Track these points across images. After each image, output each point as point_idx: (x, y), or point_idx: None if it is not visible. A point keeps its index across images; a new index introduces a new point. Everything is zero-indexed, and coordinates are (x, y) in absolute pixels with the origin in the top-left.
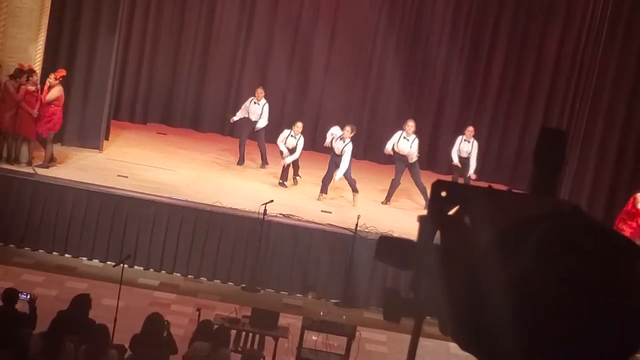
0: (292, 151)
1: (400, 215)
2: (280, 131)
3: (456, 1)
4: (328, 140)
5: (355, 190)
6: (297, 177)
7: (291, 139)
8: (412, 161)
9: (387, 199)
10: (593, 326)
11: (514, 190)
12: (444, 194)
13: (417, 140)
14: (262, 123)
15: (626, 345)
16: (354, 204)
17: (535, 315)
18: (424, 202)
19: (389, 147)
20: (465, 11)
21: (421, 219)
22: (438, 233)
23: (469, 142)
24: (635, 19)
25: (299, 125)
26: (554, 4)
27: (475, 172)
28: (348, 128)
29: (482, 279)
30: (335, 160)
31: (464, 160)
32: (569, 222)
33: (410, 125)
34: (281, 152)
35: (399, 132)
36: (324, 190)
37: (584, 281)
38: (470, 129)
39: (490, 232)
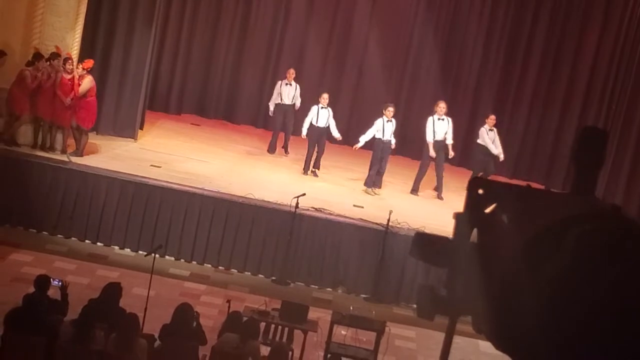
0: (324, 130)
1: (433, 210)
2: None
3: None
4: (375, 136)
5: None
6: (316, 170)
7: (322, 111)
8: (448, 142)
9: (414, 190)
10: (630, 328)
11: (551, 190)
12: (481, 191)
13: (451, 121)
14: (298, 104)
15: None
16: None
17: (572, 316)
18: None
19: (429, 138)
20: (502, 9)
21: (457, 216)
22: (474, 231)
23: (493, 130)
24: None
25: (325, 97)
26: (592, 3)
27: (510, 170)
28: (390, 108)
29: (518, 279)
30: (382, 152)
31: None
32: (609, 224)
33: (442, 106)
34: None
35: (431, 118)
36: (377, 184)
37: (622, 284)
38: (492, 117)
39: (529, 231)
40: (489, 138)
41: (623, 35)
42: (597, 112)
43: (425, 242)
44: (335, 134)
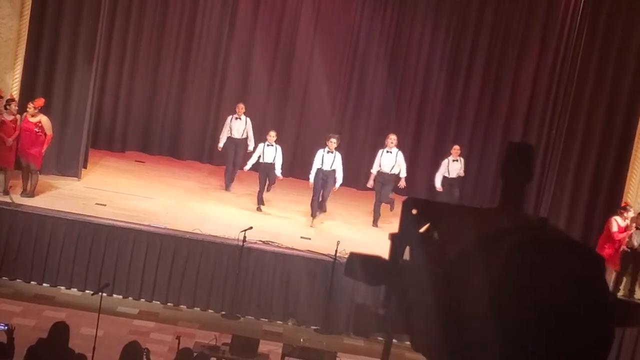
0: (271, 166)
1: (381, 239)
2: None
3: (433, 26)
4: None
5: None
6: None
7: (268, 148)
8: (402, 175)
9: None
10: (561, 337)
11: (484, 207)
12: (414, 211)
13: (401, 154)
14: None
15: (593, 355)
16: (312, 224)
17: (505, 326)
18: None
19: (374, 169)
20: (441, 40)
21: (392, 236)
22: (407, 249)
23: (457, 161)
24: (609, 44)
25: (272, 134)
26: (530, 28)
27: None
28: (333, 140)
29: (451, 293)
30: (324, 177)
31: (452, 181)
32: (537, 235)
33: (392, 138)
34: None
35: (380, 150)
36: (314, 214)
37: (551, 293)
38: (457, 147)
39: (460, 246)
40: (450, 169)
41: (560, 59)
42: (537, 136)
43: (359, 262)
44: (278, 172)
